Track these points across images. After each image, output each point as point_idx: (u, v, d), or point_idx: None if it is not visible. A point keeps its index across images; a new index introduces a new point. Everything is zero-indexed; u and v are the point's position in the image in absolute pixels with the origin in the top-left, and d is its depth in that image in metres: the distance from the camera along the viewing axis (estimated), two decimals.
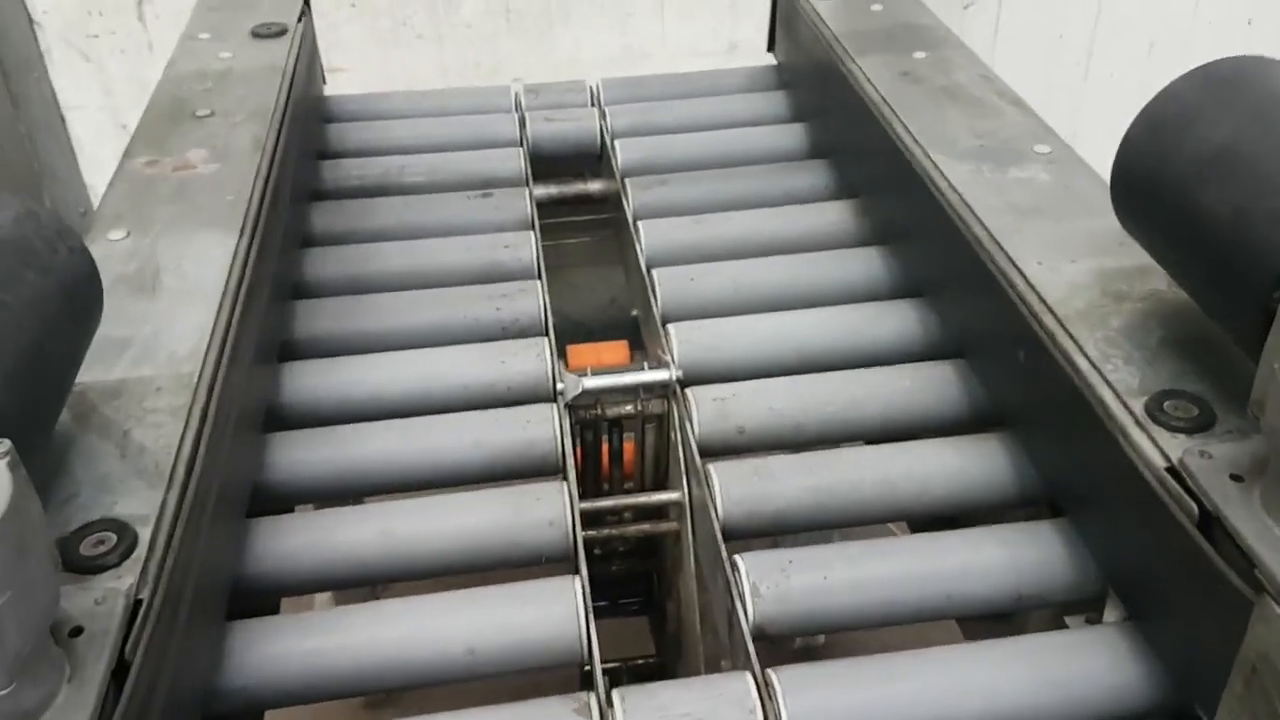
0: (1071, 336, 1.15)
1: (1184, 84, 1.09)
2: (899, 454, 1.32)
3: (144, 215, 1.42)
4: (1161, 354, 1.12)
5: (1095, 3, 3.32)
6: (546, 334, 1.52)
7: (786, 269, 1.63)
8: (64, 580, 0.90)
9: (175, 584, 0.94)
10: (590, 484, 1.54)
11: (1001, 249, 1.29)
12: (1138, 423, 1.03)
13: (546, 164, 2.00)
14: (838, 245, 1.70)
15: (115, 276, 1.30)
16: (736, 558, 1.18)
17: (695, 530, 1.37)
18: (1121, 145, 1.12)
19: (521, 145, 1.97)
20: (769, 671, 1.04)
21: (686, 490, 1.38)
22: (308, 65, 1.93)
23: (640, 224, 1.72)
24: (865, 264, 1.64)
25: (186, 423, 1.08)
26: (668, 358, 1.46)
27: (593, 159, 2.03)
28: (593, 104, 2.12)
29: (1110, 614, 1.14)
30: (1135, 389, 1.07)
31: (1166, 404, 1.04)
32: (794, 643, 2.86)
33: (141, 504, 0.99)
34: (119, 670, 0.83)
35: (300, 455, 1.33)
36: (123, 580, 0.90)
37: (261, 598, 1.23)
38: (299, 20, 1.96)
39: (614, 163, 1.91)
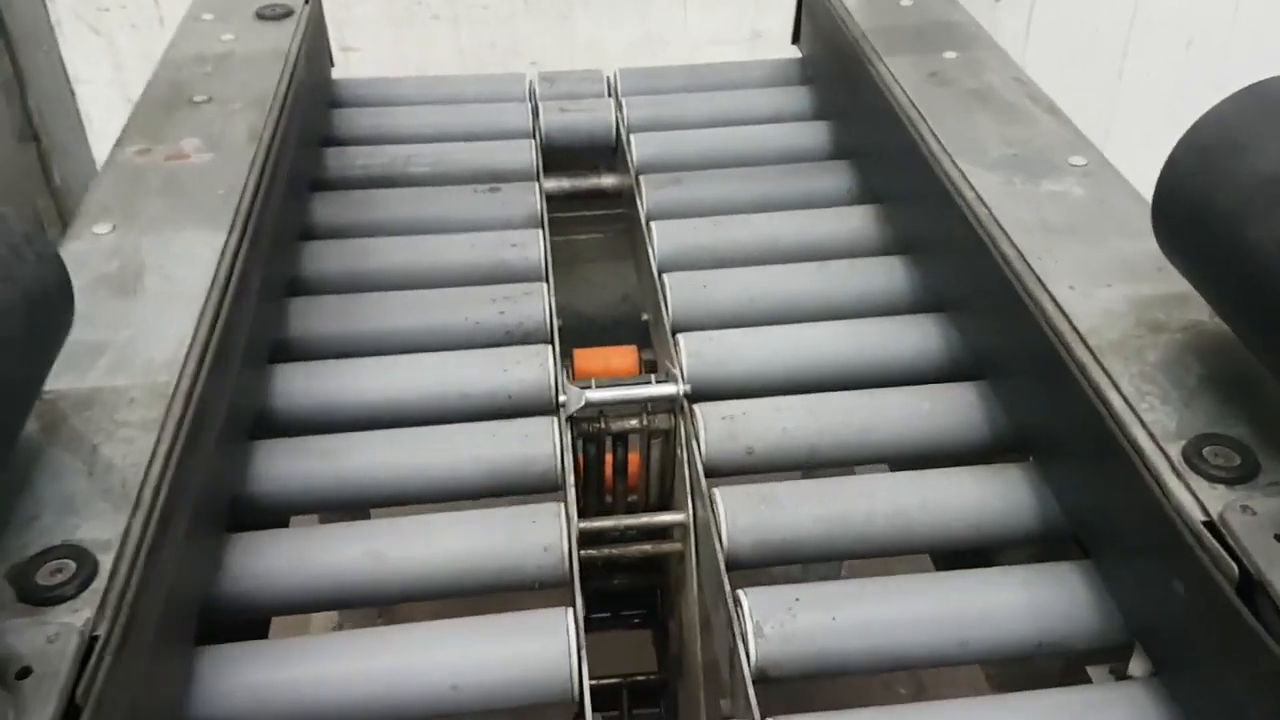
0: (1104, 370, 1.08)
1: (1233, 106, 1.01)
2: (915, 483, 1.25)
3: (131, 208, 1.36)
4: (1201, 393, 1.04)
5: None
6: (551, 340, 1.45)
7: (804, 278, 1.56)
8: (18, 613, 0.85)
9: (138, 616, 0.88)
10: (593, 497, 1.48)
11: (1031, 270, 1.22)
12: (1174, 470, 0.96)
13: (560, 156, 1.93)
14: (858, 253, 1.62)
15: (96, 276, 1.24)
16: (740, 593, 1.11)
17: (699, 555, 1.30)
18: (1166, 166, 1.04)
19: (534, 136, 1.90)
20: None
21: (691, 512, 1.32)
22: (314, 48, 1.86)
23: (653, 225, 1.65)
24: (886, 275, 1.56)
25: (159, 438, 1.02)
26: (676, 370, 1.40)
27: (607, 152, 1.96)
28: (609, 95, 2.05)
29: (1136, 666, 1.07)
30: (1172, 432, 1.00)
31: (1206, 450, 0.97)
32: None
33: (105, 528, 0.93)
34: (69, 715, 0.78)
35: (287, 466, 1.27)
36: (79, 614, 0.84)
37: (238, 620, 1.17)
38: (306, 1, 1.89)
39: (629, 158, 1.84)
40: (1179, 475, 0.95)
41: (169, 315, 1.18)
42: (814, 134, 1.90)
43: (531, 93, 2.02)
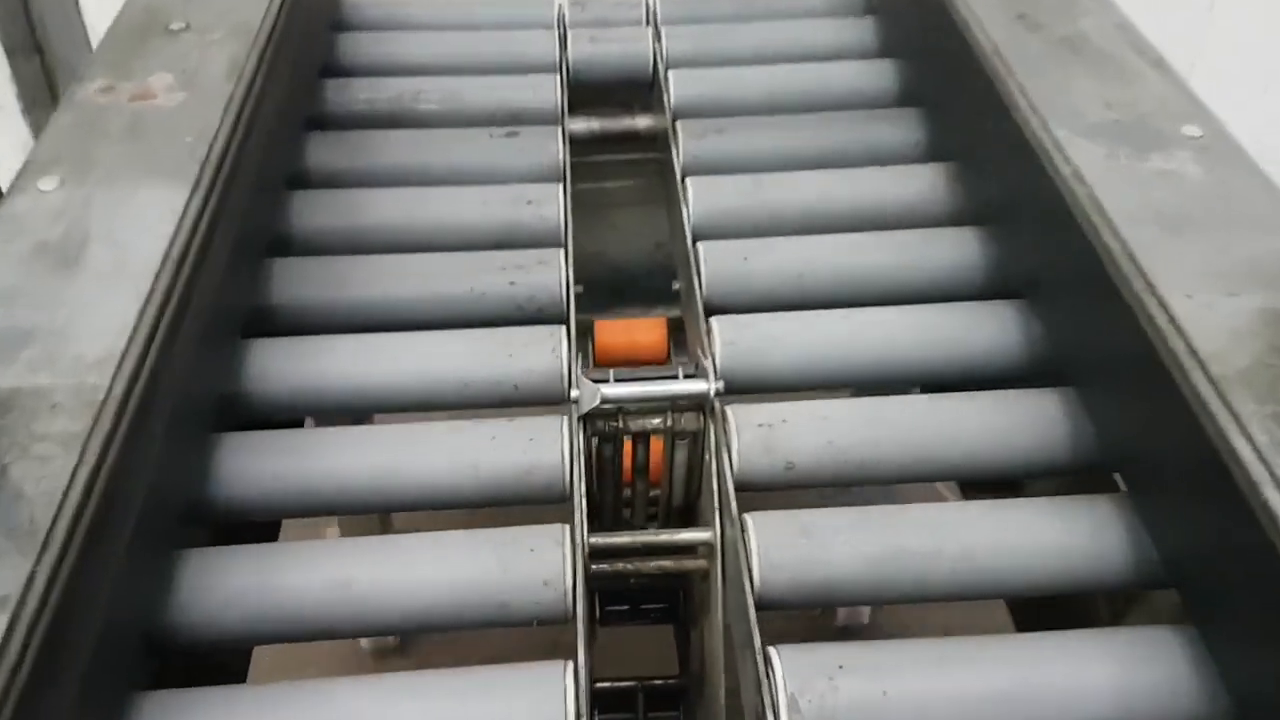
0: (1229, 406, 0.88)
1: None
2: (988, 517, 1.06)
3: (85, 159, 1.17)
4: None
5: None
6: (567, 321, 1.26)
7: (861, 251, 1.35)
8: None
9: (42, 680, 0.73)
10: (608, 498, 1.30)
11: (1140, 271, 1.01)
12: None
13: (588, 92, 1.72)
14: (925, 221, 1.41)
15: (35, 243, 1.06)
16: (771, 652, 0.93)
17: (725, 579, 1.13)
18: None
19: (560, 70, 1.69)
20: None
21: (718, 531, 1.14)
22: None
23: (689, 182, 1.44)
24: (957, 250, 1.35)
25: (80, 458, 0.85)
26: (706, 362, 1.20)
27: (643, 89, 1.75)
28: (647, 22, 1.82)
29: None
30: None
31: None
32: (836, 618, 2.67)
33: (6, 578, 0.76)
34: None
35: (254, 467, 1.10)
36: None
37: (183, 657, 1.00)
38: None
39: (666, 98, 1.63)
40: None
41: (111, 296, 1.00)
42: (879, 74, 1.67)
43: (560, 19, 1.80)
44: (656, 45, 1.73)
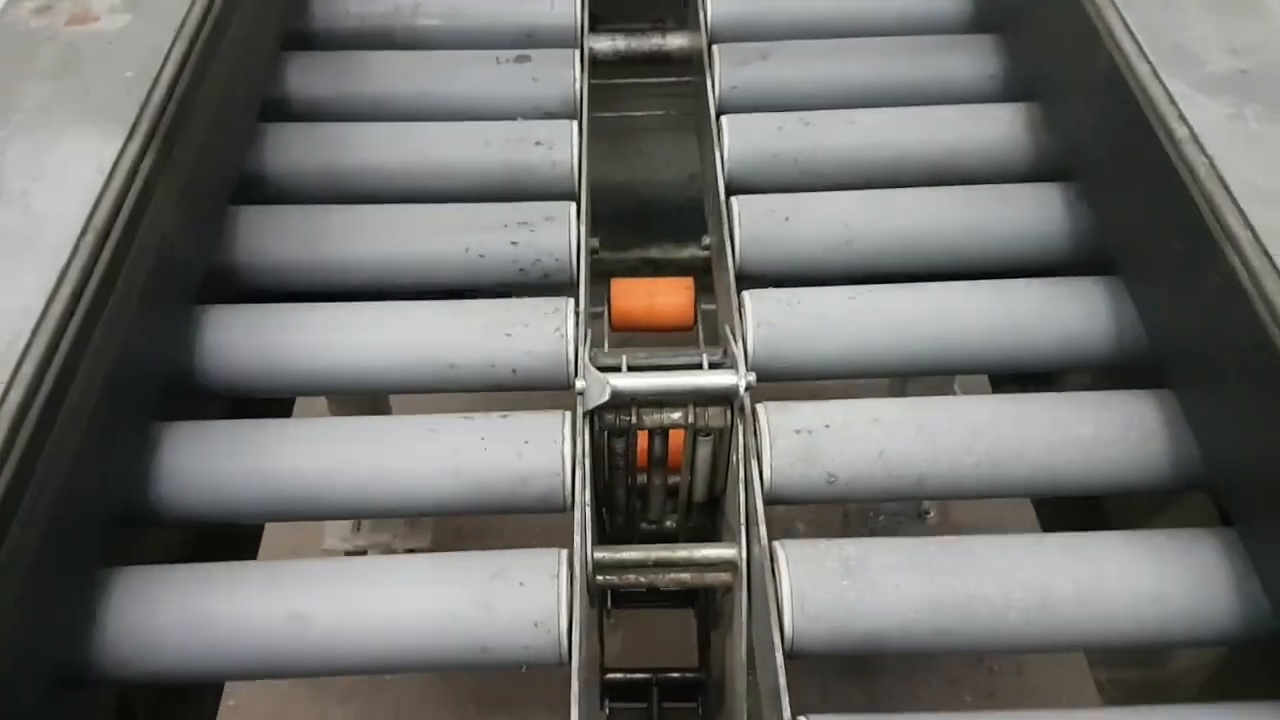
0: None
1: None
2: (1069, 553, 0.88)
3: (9, 97, 0.99)
4: None
5: None
6: (577, 289, 1.08)
7: (925, 211, 1.15)
8: None
9: None
10: (620, 492, 1.13)
11: (1274, 267, 0.81)
12: None
13: (612, 5, 1.50)
14: (1002, 174, 1.21)
15: None
16: None
17: (751, 603, 0.96)
18: None
19: None
20: None
21: (744, 548, 0.97)
22: None
23: (725, 121, 1.24)
24: (1040, 210, 1.15)
25: None
26: (736, 347, 1.02)
27: (676, 2, 1.53)
28: None
29: None
30: None
31: None
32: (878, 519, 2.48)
33: None
34: None
35: (205, 464, 0.94)
36: None
37: (118, 685, 0.86)
38: None
39: (702, 15, 1.41)
40: None
41: (20, 275, 0.83)
42: None
43: None
44: None
